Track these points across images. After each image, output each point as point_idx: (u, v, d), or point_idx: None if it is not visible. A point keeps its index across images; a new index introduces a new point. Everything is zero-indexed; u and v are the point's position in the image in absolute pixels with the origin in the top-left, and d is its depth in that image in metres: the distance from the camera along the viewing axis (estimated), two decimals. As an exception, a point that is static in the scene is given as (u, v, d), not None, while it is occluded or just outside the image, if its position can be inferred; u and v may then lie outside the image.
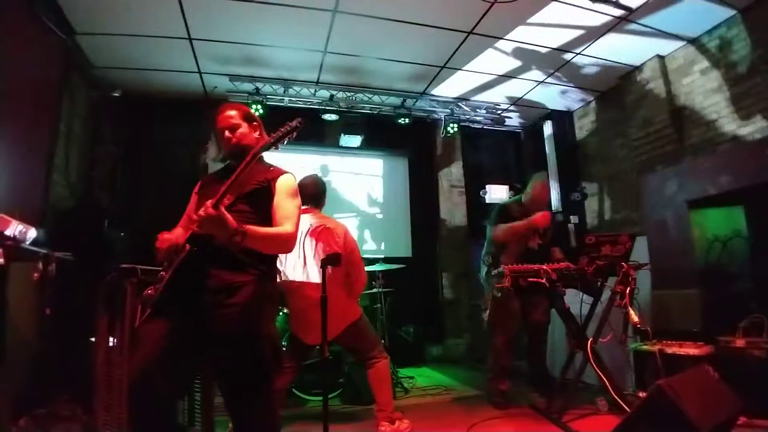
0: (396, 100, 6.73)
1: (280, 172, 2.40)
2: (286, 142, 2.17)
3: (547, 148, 7.33)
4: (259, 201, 2.27)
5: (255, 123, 2.47)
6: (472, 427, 3.53)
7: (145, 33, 5.00)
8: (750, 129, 4.71)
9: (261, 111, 5.96)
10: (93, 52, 5.31)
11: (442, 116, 7.02)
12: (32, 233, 3.67)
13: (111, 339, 3.03)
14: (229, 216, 1.99)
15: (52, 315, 3.68)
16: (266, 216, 2.28)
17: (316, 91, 6.40)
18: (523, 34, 5.28)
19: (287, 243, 2.28)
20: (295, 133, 2.15)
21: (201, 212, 1.97)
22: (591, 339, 3.71)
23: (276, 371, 2.26)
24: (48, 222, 4.38)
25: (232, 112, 2.40)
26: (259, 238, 2.12)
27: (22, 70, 4.09)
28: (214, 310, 2.07)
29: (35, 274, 3.50)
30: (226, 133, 2.37)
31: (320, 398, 3.11)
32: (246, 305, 2.11)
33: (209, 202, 1.98)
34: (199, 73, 5.93)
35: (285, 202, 2.32)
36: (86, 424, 3.37)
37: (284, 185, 2.35)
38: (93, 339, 3.22)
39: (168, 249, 2.17)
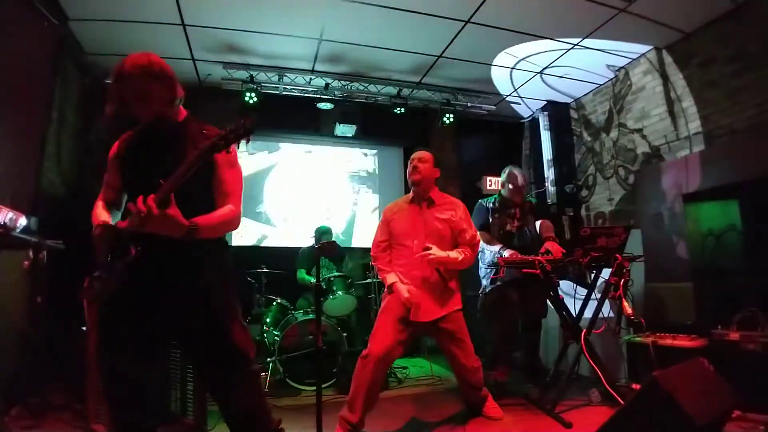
0: (392, 90, 6.68)
1: None
2: (238, 146, 1.89)
3: (542, 140, 7.31)
4: (198, 178, 1.95)
5: (165, 77, 2.08)
6: (469, 421, 3.54)
7: (138, 19, 4.93)
8: (746, 123, 4.70)
9: (255, 99, 5.92)
10: (86, 38, 5.25)
11: (438, 106, 6.98)
12: (23, 221, 3.65)
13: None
14: (179, 214, 1.83)
15: (44, 303, 3.66)
16: (207, 193, 2.10)
17: (311, 79, 6.35)
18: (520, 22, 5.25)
19: (235, 223, 2.13)
20: (245, 138, 1.83)
21: (142, 210, 1.78)
22: (585, 330, 3.72)
23: (251, 349, 2.18)
24: (39, 210, 4.33)
25: (137, 73, 2.00)
26: (211, 228, 2.00)
27: (14, 56, 4.03)
28: (174, 301, 2.00)
29: (26, 262, 3.48)
30: (137, 101, 2.03)
31: (314, 388, 3.11)
32: (206, 289, 2.04)
33: (150, 199, 1.78)
34: (193, 60, 5.87)
35: (227, 174, 2.13)
36: (78, 412, 3.37)
37: (225, 155, 1.99)
38: (84, 328, 3.20)
39: (108, 246, 1.99)
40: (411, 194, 3.54)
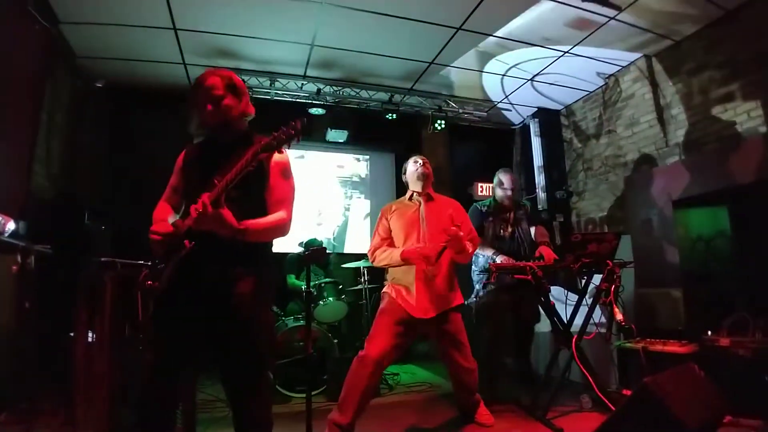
0: (384, 96, 6.69)
1: None
2: (289, 146, 1.96)
3: (533, 146, 7.35)
4: (251, 185, 2.10)
5: (240, 92, 2.26)
6: (461, 428, 3.53)
7: (129, 23, 4.91)
8: (735, 130, 4.74)
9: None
10: (77, 41, 5.22)
11: (430, 112, 6.99)
12: (11, 225, 3.61)
13: (90, 333, 2.98)
14: (230, 214, 1.94)
15: (32, 308, 3.62)
16: (259, 199, 2.19)
17: (303, 85, 6.34)
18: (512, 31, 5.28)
19: (284, 229, 2.21)
20: (297, 139, 1.92)
21: (199, 208, 1.89)
22: (576, 336, 3.73)
23: (271, 360, 2.23)
24: (28, 214, 4.29)
25: (215, 82, 2.17)
26: (260, 232, 2.08)
27: (4, 58, 4.00)
28: (217, 302, 2.05)
29: (14, 267, 3.45)
30: (209, 106, 2.16)
31: (304, 395, 3.09)
32: (249, 294, 2.08)
33: (206, 197, 1.90)
34: (184, 64, 5.85)
35: (279, 183, 2.22)
36: (67, 418, 3.33)
37: (279, 164, 2.20)
38: (72, 333, 3.17)
39: (166, 243, 2.08)
40: (408, 194, 3.59)
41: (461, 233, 3.16)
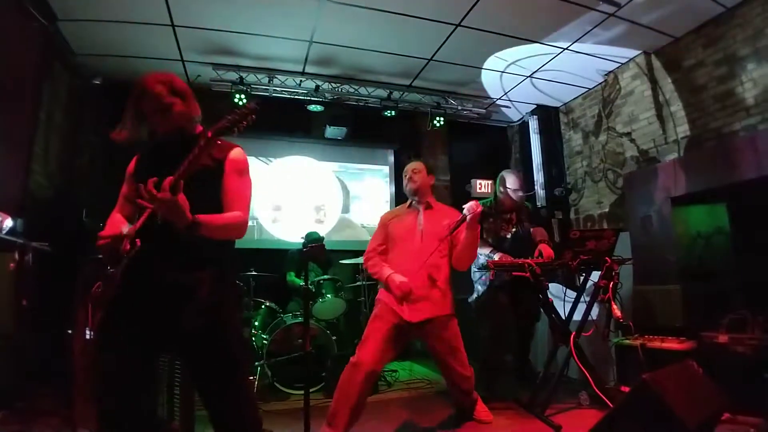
0: (382, 92, 6.67)
1: (230, 148, 2.17)
2: (240, 129, 1.89)
3: (532, 143, 7.35)
4: (207, 182, 2.05)
5: (186, 95, 2.17)
6: (459, 425, 3.53)
7: (127, 19, 4.89)
8: (735, 127, 4.74)
9: (245, 101, 5.89)
10: (75, 38, 5.20)
11: (429, 109, 6.98)
12: (8, 223, 3.60)
13: (88, 331, 2.97)
14: (185, 202, 1.85)
15: (30, 306, 3.62)
16: (214, 197, 2.11)
17: (301, 81, 6.32)
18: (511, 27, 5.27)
19: (240, 229, 2.12)
20: (249, 119, 1.88)
21: (158, 194, 1.81)
22: (574, 333, 3.73)
23: (246, 361, 2.17)
24: (26, 212, 4.28)
25: (161, 91, 2.08)
26: (213, 227, 1.98)
27: (1, 56, 3.99)
28: (177, 306, 1.96)
29: (11, 265, 3.44)
30: (158, 116, 2.09)
31: (302, 392, 3.09)
32: (207, 300, 2.00)
33: (166, 182, 1.82)
34: (182, 61, 5.84)
35: (236, 182, 2.14)
36: (65, 417, 3.32)
37: (235, 163, 2.14)
38: (70, 331, 3.17)
39: (114, 246, 1.98)
40: (408, 201, 3.62)
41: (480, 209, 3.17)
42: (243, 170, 2.19)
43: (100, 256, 2.02)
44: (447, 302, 3.37)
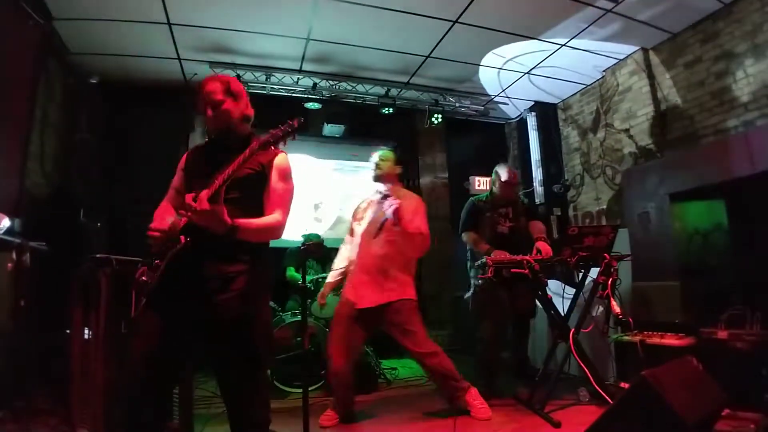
0: (380, 90, 6.66)
1: (275, 153, 2.27)
2: (285, 143, 2.03)
3: (530, 140, 7.35)
4: (252, 187, 2.21)
5: (238, 96, 2.31)
6: (458, 421, 3.52)
7: (123, 18, 4.87)
8: (732, 123, 4.74)
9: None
10: (71, 37, 5.18)
11: (427, 106, 6.97)
12: (6, 222, 3.59)
13: (86, 331, 2.97)
14: (224, 211, 1.97)
15: (27, 306, 3.60)
16: (259, 201, 2.24)
17: (298, 79, 6.31)
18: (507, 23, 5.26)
19: (277, 231, 2.24)
20: (293, 135, 2.00)
21: (196, 205, 1.94)
22: (573, 329, 3.73)
23: (268, 358, 2.26)
24: (23, 211, 4.27)
25: (214, 88, 2.25)
26: (251, 232, 2.11)
27: (-2, 55, 3.97)
28: (211, 299, 2.06)
29: (9, 264, 3.43)
30: (209, 110, 2.24)
31: (301, 390, 3.08)
32: (243, 292, 2.10)
33: (204, 194, 1.94)
34: (179, 59, 5.81)
35: (278, 185, 2.26)
36: (63, 417, 3.32)
37: (279, 168, 2.27)
38: (68, 331, 3.16)
39: (163, 239, 2.12)
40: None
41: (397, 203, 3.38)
42: (287, 175, 2.31)
43: (150, 246, 2.16)
44: (399, 288, 3.53)
